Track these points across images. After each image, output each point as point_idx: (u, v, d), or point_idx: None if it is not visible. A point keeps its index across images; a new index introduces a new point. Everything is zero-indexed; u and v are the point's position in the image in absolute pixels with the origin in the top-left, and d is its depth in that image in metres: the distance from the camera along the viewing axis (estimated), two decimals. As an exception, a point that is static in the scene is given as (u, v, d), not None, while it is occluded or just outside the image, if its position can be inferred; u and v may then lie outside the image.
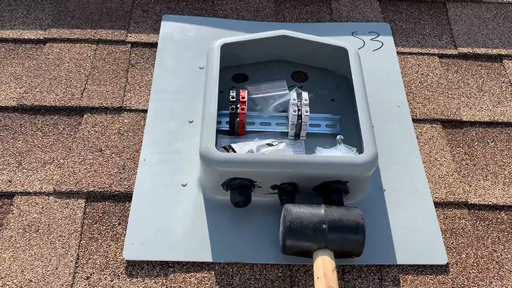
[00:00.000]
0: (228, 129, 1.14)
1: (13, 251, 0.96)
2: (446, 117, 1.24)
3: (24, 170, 1.08)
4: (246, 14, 1.44)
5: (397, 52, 1.37)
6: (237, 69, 1.28)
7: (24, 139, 1.14)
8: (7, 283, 0.92)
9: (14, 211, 1.02)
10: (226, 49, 1.17)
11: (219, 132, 1.12)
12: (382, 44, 1.38)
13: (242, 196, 0.99)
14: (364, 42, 1.38)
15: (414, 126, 1.21)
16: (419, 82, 1.32)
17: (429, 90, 1.30)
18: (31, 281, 0.92)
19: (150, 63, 1.30)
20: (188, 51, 1.32)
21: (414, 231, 1.03)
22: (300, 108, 1.10)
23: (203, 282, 0.94)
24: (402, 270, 0.98)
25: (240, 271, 0.96)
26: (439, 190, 1.10)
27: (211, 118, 1.02)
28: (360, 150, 1.06)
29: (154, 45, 1.34)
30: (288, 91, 1.16)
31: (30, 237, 0.98)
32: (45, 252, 0.96)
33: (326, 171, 0.97)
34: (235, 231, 1.01)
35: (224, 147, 1.07)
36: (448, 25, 1.46)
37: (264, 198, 1.03)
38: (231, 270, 0.96)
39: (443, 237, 1.03)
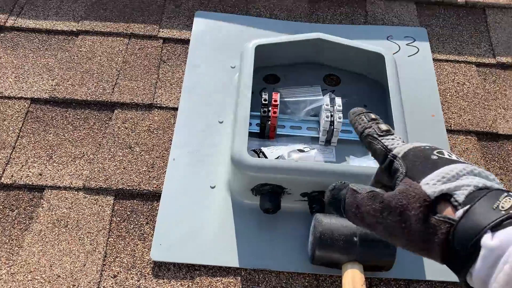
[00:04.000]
0: (257, 131, 1.13)
1: (42, 245, 0.97)
2: (482, 129, 1.20)
3: (54, 164, 1.08)
4: (279, 13, 1.42)
5: (433, 59, 1.34)
6: (268, 70, 1.26)
7: (55, 132, 1.14)
8: (36, 277, 0.93)
9: (44, 205, 1.02)
10: (259, 50, 1.15)
11: (248, 134, 1.11)
12: (418, 50, 1.35)
13: (272, 203, 0.98)
14: (399, 47, 1.35)
15: (448, 137, 1.18)
16: (455, 91, 1.28)
17: (465, 100, 1.26)
18: (59, 276, 0.93)
19: (182, 60, 1.29)
20: (220, 50, 1.31)
21: (445, 246, 1.00)
22: (333, 114, 1.08)
23: (229, 287, 0.93)
24: (431, 286, 0.96)
25: (266, 278, 0.95)
26: (472, 206, 1.07)
27: (243, 122, 1.00)
28: (392, 161, 1.04)
29: (186, 42, 1.33)
30: (322, 97, 1.14)
31: (59, 232, 0.99)
32: (74, 248, 0.97)
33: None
34: (263, 237, 1.00)
35: (254, 151, 1.06)
36: (487, 33, 1.41)
37: (293, 205, 1.02)
38: (257, 276, 0.95)
39: (474, 254, 1.00)
